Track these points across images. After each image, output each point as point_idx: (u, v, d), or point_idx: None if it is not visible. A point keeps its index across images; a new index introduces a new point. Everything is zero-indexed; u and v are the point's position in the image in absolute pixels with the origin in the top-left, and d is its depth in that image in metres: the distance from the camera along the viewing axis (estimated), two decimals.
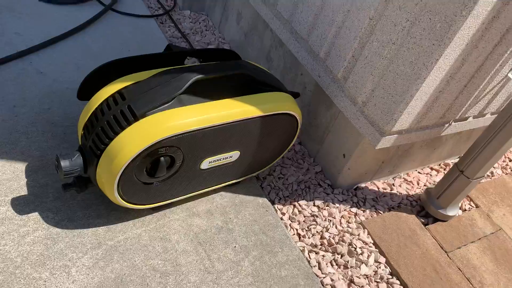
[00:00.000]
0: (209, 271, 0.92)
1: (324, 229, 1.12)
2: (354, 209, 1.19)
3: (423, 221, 1.23)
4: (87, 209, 0.95)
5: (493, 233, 1.28)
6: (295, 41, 1.24)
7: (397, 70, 0.95)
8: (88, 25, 1.43)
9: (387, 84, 0.98)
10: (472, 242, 1.23)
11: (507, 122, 1.04)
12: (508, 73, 1.09)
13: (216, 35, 1.64)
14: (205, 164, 0.93)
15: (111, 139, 0.80)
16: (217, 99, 0.88)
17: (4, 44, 1.25)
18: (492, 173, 1.53)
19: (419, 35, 0.89)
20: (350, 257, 1.07)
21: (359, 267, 1.06)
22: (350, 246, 1.09)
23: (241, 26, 1.52)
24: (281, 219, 1.11)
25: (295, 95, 1.07)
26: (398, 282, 1.05)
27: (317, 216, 1.14)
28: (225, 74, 0.90)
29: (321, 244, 1.08)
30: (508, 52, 1.00)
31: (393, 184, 1.32)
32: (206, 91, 0.88)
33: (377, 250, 1.11)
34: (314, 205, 1.17)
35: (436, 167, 1.45)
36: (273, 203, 1.14)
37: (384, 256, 1.10)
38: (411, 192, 1.32)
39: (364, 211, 1.20)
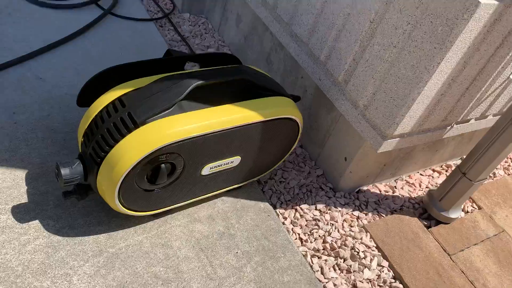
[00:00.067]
0: (211, 278, 0.91)
1: (327, 233, 1.11)
2: (356, 213, 1.19)
3: (426, 223, 1.23)
4: (88, 216, 0.94)
5: (496, 235, 1.27)
6: (295, 44, 1.23)
7: (399, 73, 0.94)
8: (87, 29, 1.42)
9: (389, 87, 0.97)
10: (475, 244, 1.22)
11: (510, 124, 1.03)
12: (510, 75, 1.09)
13: (215, 38, 1.63)
14: (206, 170, 0.93)
15: (111, 147, 0.80)
16: (217, 105, 0.88)
17: (3, 49, 1.25)
18: (494, 174, 1.52)
19: (421, 38, 0.88)
20: (352, 261, 1.06)
21: (362, 271, 1.05)
22: (353, 250, 1.09)
23: (241, 29, 1.52)
24: (283, 223, 1.10)
25: (296, 98, 1.06)
26: (401, 286, 1.05)
27: (319, 220, 1.13)
28: (226, 79, 0.90)
29: (323, 249, 1.07)
30: (510, 54, 1.00)
31: (395, 186, 1.32)
32: (206, 97, 0.88)
33: (380, 253, 1.11)
34: (316, 209, 1.16)
35: (438, 168, 1.45)
36: (274, 207, 1.14)
37: (387, 260, 1.10)
38: (413, 195, 1.31)
39: (366, 215, 1.19)
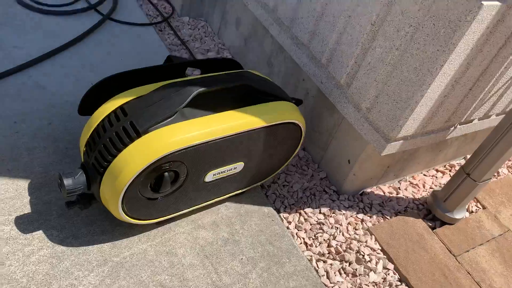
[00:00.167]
0: (216, 285, 0.91)
1: (331, 236, 1.11)
2: (360, 215, 1.18)
3: (430, 224, 1.22)
4: (91, 225, 0.94)
5: (501, 234, 1.27)
6: (296, 47, 1.22)
7: (401, 76, 0.94)
8: (87, 35, 1.42)
9: (391, 90, 0.97)
10: (481, 244, 1.21)
11: None
12: None
13: (215, 41, 1.62)
14: (210, 177, 0.92)
15: (114, 156, 0.79)
16: (220, 111, 0.87)
17: (3, 58, 1.24)
18: (498, 172, 1.52)
19: (423, 40, 0.87)
20: (358, 264, 1.06)
21: (368, 275, 1.05)
22: (358, 254, 1.08)
23: (241, 32, 1.51)
24: (287, 228, 1.10)
25: (298, 102, 1.06)
26: None
27: (323, 224, 1.13)
28: (227, 86, 0.89)
29: (328, 253, 1.07)
30: None
31: (398, 187, 1.31)
32: (208, 103, 0.87)
33: (385, 256, 1.10)
34: (320, 212, 1.16)
35: (442, 168, 1.44)
36: (278, 211, 1.13)
37: (392, 263, 1.09)
38: (417, 196, 1.31)
39: (370, 217, 1.19)
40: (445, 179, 1.40)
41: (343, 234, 1.12)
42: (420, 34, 0.88)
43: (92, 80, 1.27)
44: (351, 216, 1.17)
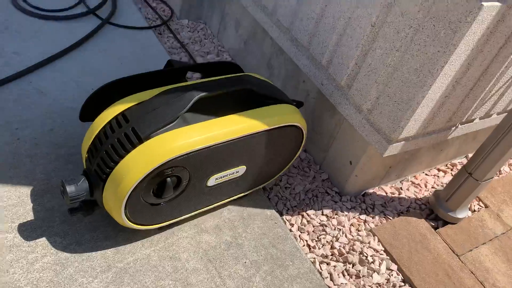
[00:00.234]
0: None
1: (334, 238, 1.11)
2: (363, 216, 1.18)
3: (433, 224, 1.22)
4: (94, 231, 0.94)
5: (504, 233, 1.27)
6: (296, 49, 1.22)
7: (402, 77, 0.94)
8: (86, 40, 1.42)
9: (392, 91, 0.97)
10: (483, 243, 1.21)
11: None
12: None
13: (215, 43, 1.62)
14: (212, 181, 0.92)
15: (116, 163, 0.79)
16: (221, 116, 0.87)
17: (3, 64, 1.24)
18: (500, 170, 1.52)
19: (423, 42, 0.87)
20: (361, 266, 1.06)
21: (371, 276, 1.05)
22: (361, 255, 1.08)
23: (240, 34, 1.51)
24: (290, 230, 1.10)
25: (299, 104, 1.06)
26: None
27: (326, 226, 1.13)
28: (228, 90, 0.89)
29: (331, 254, 1.07)
30: None
31: (401, 188, 1.31)
32: (209, 108, 0.87)
33: (388, 257, 1.10)
34: (322, 214, 1.16)
35: (443, 167, 1.44)
36: (281, 214, 1.13)
37: (396, 263, 1.09)
38: (420, 195, 1.31)
39: (373, 218, 1.19)
40: (447, 178, 1.40)
41: (346, 236, 1.12)
42: (420, 36, 0.88)
43: (93, 85, 1.27)
44: (353, 217, 1.17)
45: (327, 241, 1.10)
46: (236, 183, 0.99)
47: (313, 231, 1.11)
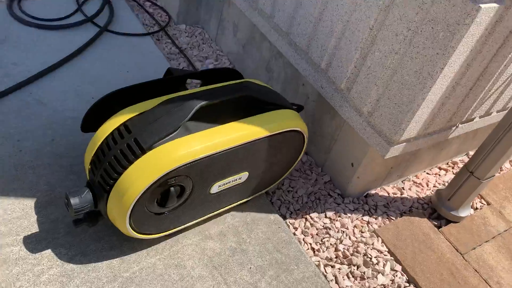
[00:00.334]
0: None
1: (338, 241, 1.11)
2: (366, 218, 1.19)
3: (436, 223, 1.23)
4: (99, 241, 0.94)
5: (506, 230, 1.27)
6: (294, 53, 1.23)
7: (402, 80, 0.94)
8: (85, 48, 1.42)
9: (392, 94, 0.97)
10: (487, 241, 1.22)
11: None
12: None
13: (213, 48, 1.62)
14: (215, 188, 0.93)
15: (119, 174, 0.79)
16: (222, 123, 0.88)
17: (2, 75, 1.24)
18: (500, 167, 1.52)
19: (422, 44, 0.88)
20: (366, 267, 1.06)
21: (376, 277, 1.05)
22: (365, 257, 1.09)
23: (238, 38, 1.51)
24: (294, 234, 1.10)
25: (299, 108, 1.06)
26: None
27: (329, 228, 1.13)
28: (228, 97, 0.89)
29: (336, 257, 1.07)
30: None
31: (402, 187, 1.31)
32: (211, 116, 0.88)
33: (392, 258, 1.11)
34: (325, 216, 1.16)
35: (445, 166, 1.44)
36: (284, 218, 1.13)
37: (400, 264, 1.10)
38: (422, 195, 1.31)
39: (376, 219, 1.19)
40: (449, 176, 1.41)
41: (349, 238, 1.12)
42: (419, 38, 0.88)
43: (92, 93, 1.27)
44: (356, 219, 1.18)
45: (331, 244, 1.10)
46: (239, 189, 1.00)
47: (317, 234, 1.11)
